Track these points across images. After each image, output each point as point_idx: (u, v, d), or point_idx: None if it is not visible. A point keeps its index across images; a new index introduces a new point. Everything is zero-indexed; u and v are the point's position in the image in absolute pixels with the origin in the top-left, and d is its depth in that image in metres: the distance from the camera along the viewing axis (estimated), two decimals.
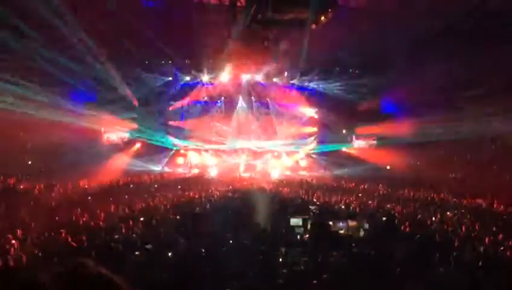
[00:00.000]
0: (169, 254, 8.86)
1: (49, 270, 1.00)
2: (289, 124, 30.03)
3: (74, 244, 8.90)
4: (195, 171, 27.91)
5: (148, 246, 9.03)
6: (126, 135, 28.55)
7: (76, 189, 17.73)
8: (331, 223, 11.52)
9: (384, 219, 12.85)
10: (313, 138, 30.19)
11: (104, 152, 25.52)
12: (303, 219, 11.84)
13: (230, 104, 29.31)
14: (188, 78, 28.04)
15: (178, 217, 12.79)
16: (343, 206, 15.75)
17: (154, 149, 27.68)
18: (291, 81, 28.58)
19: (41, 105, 20.19)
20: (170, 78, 27.69)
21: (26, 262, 7.60)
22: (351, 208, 15.45)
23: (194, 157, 29.27)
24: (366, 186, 21.72)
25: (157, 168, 27.10)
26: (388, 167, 27.52)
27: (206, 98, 28.96)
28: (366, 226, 11.72)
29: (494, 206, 15.70)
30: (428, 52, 21.29)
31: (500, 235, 10.70)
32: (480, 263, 8.23)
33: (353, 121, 28.92)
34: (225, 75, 27.69)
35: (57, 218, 11.47)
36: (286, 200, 17.04)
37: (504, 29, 17.53)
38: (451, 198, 17.98)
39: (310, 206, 15.01)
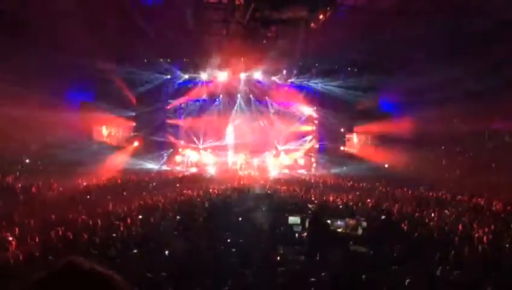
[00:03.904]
0: (167, 253, 8.84)
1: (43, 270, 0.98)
2: (288, 123, 30.04)
3: (71, 240, 8.90)
4: (194, 169, 27.87)
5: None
6: (125, 134, 28.58)
7: (74, 187, 17.67)
8: (329, 221, 11.53)
9: (382, 217, 12.85)
10: (311, 137, 30.21)
11: (102, 150, 25.50)
12: (301, 217, 11.84)
13: (228, 103, 29.27)
14: (186, 76, 28.01)
15: (176, 215, 12.77)
16: (341, 205, 15.75)
17: (153, 147, 27.64)
18: (289, 80, 28.56)
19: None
20: (169, 76, 27.66)
21: (24, 261, 7.58)
22: (349, 206, 15.45)
23: (192, 156, 29.23)
24: (364, 185, 21.72)
25: (155, 166, 27.06)
26: (386, 166, 27.57)
27: (204, 96, 28.92)
28: (364, 224, 11.73)
29: (493, 204, 15.71)
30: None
31: (499, 234, 10.73)
32: (479, 262, 8.23)
33: (351, 120, 28.93)
34: (224, 73, 27.64)
35: (54, 216, 11.43)
36: (284, 198, 17.04)
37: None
38: (449, 196, 17.99)
39: (308, 205, 15.02)
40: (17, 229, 9.44)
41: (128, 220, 11.43)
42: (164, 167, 27.59)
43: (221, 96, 29.08)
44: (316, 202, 16.15)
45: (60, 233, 9.41)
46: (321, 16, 17.15)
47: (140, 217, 12.23)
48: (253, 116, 29.33)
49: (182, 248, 9.12)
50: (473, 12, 18.29)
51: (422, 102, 23.90)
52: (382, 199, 17.62)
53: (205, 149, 29.25)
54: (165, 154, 28.41)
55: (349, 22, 20.34)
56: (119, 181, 20.31)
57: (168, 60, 26.72)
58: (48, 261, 7.40)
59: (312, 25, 17.80)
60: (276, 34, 23.83)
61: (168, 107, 28.59)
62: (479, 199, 16.91)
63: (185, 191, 18.23)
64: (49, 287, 0.92)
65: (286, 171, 28.31)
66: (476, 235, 10.71)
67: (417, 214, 13.96)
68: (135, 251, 8.67)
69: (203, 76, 27.86)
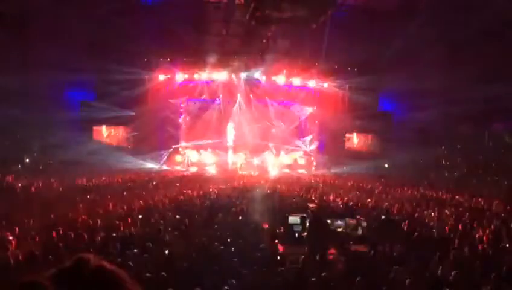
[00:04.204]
0: (167, 252, 8.85)
1: (48, 268, 0.98)
2: (288, 123, 30.03)
3: (71, 240, 8.90)
4: (194, 169, 27.86)
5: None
6: (125, 134, 28.58)
7: (74, 187, 17.67)
8: (329, 221, 11.52)
9: (382, 217, 12.84)
10: (311, 136, 30.20)
11: (102, 150, 25.49)
12: (301, 217, 11.82)
13: (228, 102, 29.26)
14: (186, 76, 27.99)
15: (177, 215, 12.77)
16: (341, 205, 15.74)
17: (153, 147, 27.63)
18: (289, 79, 28.55)
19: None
20: (169, 76, 27.64)
21: (24, 260, 7.58)
22: (349, 206, 15.44)
23: (192, 156, 29.22)
24: (364, 184, 21.71)
25: (155, 166, 27.06)
26: (386, 166, 27.56)
27: (204, 96, 28.90)
28: (364, 224, 11.73)
29: (493, 204, 15.71)
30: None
31: (499, 234, 10.72)
32: (479, 262, 8.23)
33: (351, 119, 28.91)
34: (224, 73, 27.63)
35: (54, 216, 11.43)
36: (284, 198, 17.03)
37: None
38: (449, 196, 17.99)
39: (308, 204, 15.01)
40: (17, 229, 9.44)
41: (129, 220, 11.44)
42: (164, 167, 27.58)
43: (221, 96, 29.07)
44: (316, 201, 16.14)
45: (61, 233, 9.41)
46: (321, 16, 17.15)
47: (140, 216, 12.23)
48: (253, 116, 29.30)
49: (182, 247, 9.12)
50: (472, 11, 18.31)
51: (422, 102, 23.91)
52: (382, 199, 17.61)
53: (205, 149, 29.23)
54: (165, 154, 28.40)
55: (349, 21, 20.37)
56: (119, 181, 20.30)
57: (168, 60, 26.71)
58: (48, 261, 7.40)
59: (313, 25, 17.80)
60: (276, 34, 23.87)
61: (168, 107, 28.55)
62: (479, 199, 16.91)
63: (185, 191, 18.21)
64: (60, 283, 0.92)
65: (286, 171, 28.30)
66: (476, 235, 10.72)
67: (417, 214, 13.95)
68: (135, 250, 8.67)
69: (203, 76, 27.85)
